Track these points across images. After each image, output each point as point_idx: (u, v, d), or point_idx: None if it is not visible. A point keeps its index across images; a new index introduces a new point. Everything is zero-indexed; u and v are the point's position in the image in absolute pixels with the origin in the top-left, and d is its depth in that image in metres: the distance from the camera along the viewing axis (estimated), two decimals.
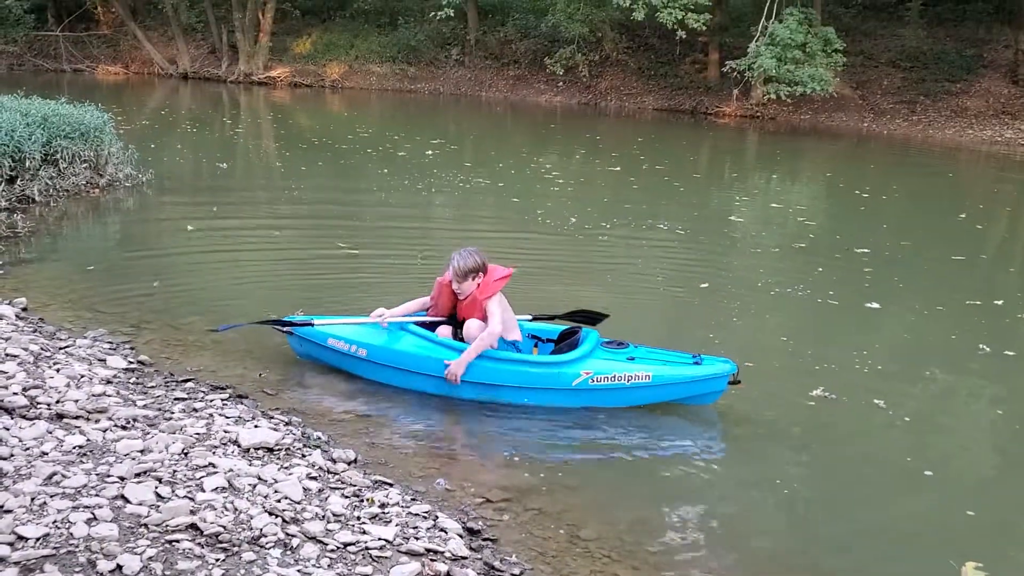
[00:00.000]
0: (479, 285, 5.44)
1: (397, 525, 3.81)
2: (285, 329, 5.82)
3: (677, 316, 7.52)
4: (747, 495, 4.70)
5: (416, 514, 3.97)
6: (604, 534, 4.14)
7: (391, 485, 4.28)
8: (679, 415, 5.48)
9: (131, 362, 5.53)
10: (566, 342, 5.63)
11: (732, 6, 27.18)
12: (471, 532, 3.97)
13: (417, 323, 5.62)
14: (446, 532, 3.85)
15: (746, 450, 5.24)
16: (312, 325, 5.66)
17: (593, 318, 6.33)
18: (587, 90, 27.11)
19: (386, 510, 3.95)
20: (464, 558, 3.69)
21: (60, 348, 5.52)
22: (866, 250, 9.77)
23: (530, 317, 6.06)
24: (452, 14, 25.54)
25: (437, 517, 3.98)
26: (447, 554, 3.67)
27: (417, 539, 3.72)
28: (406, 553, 3.59)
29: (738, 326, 7.20)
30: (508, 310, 5.65)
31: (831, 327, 7.41)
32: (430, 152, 16.06)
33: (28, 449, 3.88)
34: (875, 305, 7.81)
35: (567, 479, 4.65)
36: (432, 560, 3.58)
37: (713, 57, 25.75)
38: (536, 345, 5.85)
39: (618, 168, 15.57)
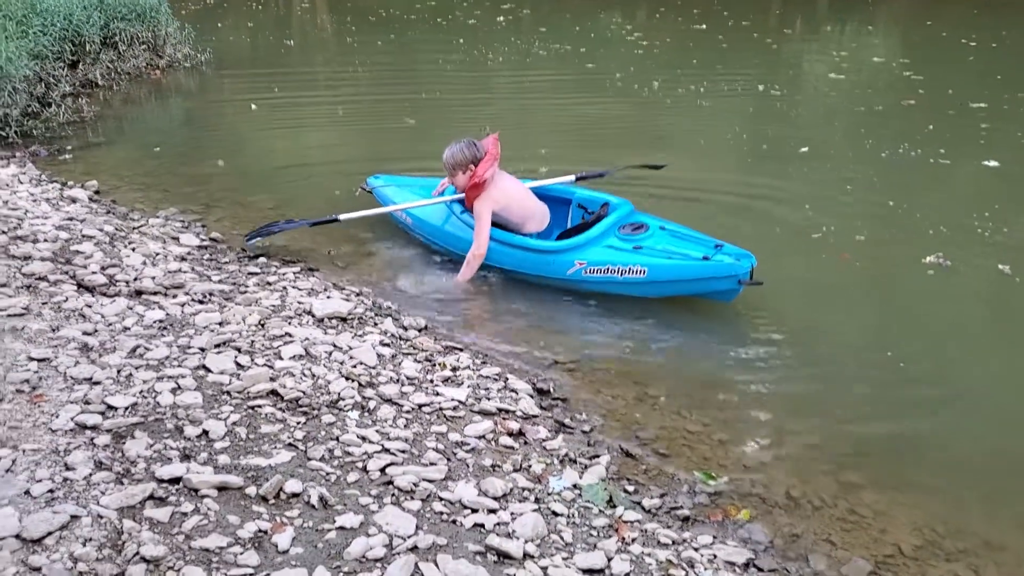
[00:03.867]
0: (470, 178, 5.24)
1: (469, 387, 3.89)
2: (368, 187, 6.11)
3: (776, 183, 6.98)
4: (844, 363, 4.48)
5: (487, 376, 4.04)
6: (673, 391, 4.17)
7: (461, 350, 4.35)
8: (772, 277, 5.13)
9: (203, 239, 5.64)
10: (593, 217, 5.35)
11: None
12: (541, 392, 4.04)
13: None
14: (516, 393, 3.93)
15: (850, 318, 4.97)
16: (337, 220, 5.57)
17: (651, 166, 6.14)
18: None
19: (457, 373, 4.03)
20: (535, 416, 3.77)
21: (133, 228, 5.64)
22: (982, 104, 9.15)
23: (573, 178, 5.90)
24: None
25: (507, 379, 4.05)
26: (518, 413, 3.75)
27: (489, 399, 3.80)
28: (479, 413, 3.68)
29: (844, 190, 6.81)
30: (519, 202, 5.38)
31: (945, 189, 6.97)
32: (501, 18, 15.61)
33: (111, 324, 4.02)
34: (994, 163, 7.33)
35: (636, 341, 4.66)
36: (504, 419, 3.66)
37: None
38: (583, 217, 5.63)
39: (703, 26, 14.78)
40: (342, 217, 5.59)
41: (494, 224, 5.27)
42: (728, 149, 8.03)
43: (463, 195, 5.50)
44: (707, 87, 10.31)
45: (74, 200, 6.02)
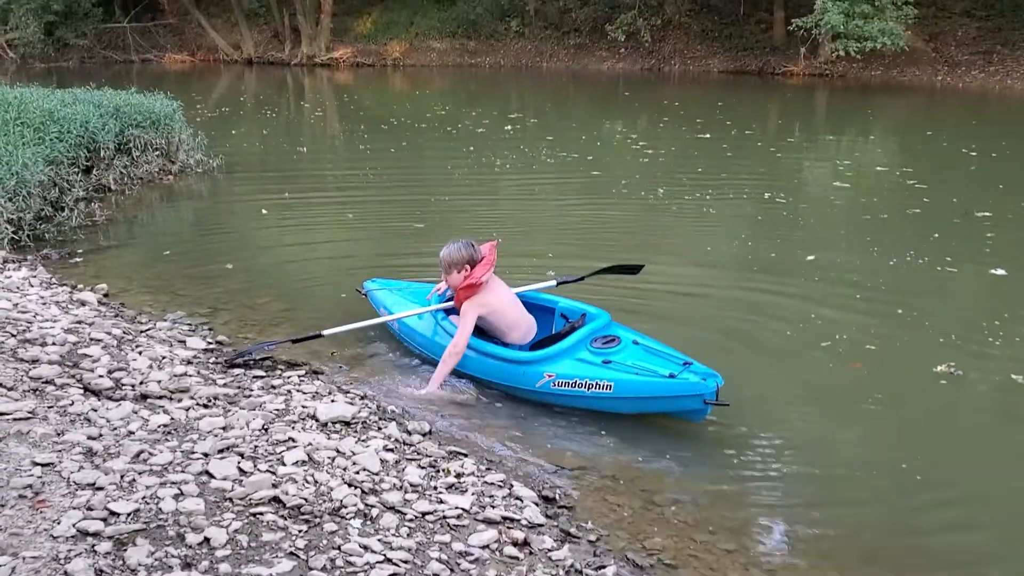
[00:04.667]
0: (465, 278, 5.23)
1: (473, 494, 3.85)
2: (363, 291, 6.17)
3: (783, 291, 6.99)
4: (856, 474, 4.41)
5: (491, 483, 4.01)
6: (679, 500, 4.12)
7: (465, 455, 4.32)
8: (780, 386, 5.26)
9: (210, 342, 5.67)
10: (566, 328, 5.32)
11: None
12: (546, 500, 3.99)
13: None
14: (522, 500, 3.88)
15: (862, 428, 4.88)
16: (321, 336, 5.53)
17: (628, 269, 6.10)
18: (649, 55, 26.81)
19: (462, 480, 4.00)
20: (540, 525, 3.72)
21: (141, 331, 5.68)
22: (987, 213, 9.20)
23: (555, 283, 5.92)
24: None
25: (512, 486, 4.01)
26: (523, 522, 3.70)
27: (493, 507, 3.76)
28: (483, 521, 3.63)
29: (852, 298, 6.76)
30: (507, 311, 5.34)
31: (954, 297, 6.97)
32: (509, 127, 15.99)
33: (116, 429, 4.02)
34: (1001, 272, 7.29)
35: (641, 447, 4.62)
36: (509, 528, 3.61)
37: (778, 15, 25.23)
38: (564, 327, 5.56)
39: (707, 135, 15.03)
40: (325, 332, 5.52)
41: (477, 329, 5.29)
42: (735, 256, 8.03)
43: (448, 303, 5.54)
44: (713, 194, 10.47)
45: (83, 303, 6.08)
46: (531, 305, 5.65)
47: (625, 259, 6.43)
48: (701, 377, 4.60)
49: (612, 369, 4.80)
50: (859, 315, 6.43)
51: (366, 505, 3.60)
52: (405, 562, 3.20)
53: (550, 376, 4.92)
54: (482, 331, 5.36)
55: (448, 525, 3.56)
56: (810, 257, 7.83)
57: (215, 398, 4.60)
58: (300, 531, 3.31)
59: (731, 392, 4.61)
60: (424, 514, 3.61)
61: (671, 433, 4.78)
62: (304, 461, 3.89)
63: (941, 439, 4.83)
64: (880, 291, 6.97)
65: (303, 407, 4.57)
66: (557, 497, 4.03)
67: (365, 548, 3.25)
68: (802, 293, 6.96)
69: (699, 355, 4.88)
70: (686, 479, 4.34)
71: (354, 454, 4.05)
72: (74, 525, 3.10)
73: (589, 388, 4.81)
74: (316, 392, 4.89)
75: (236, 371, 5.18)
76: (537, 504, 3.90)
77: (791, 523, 3.97)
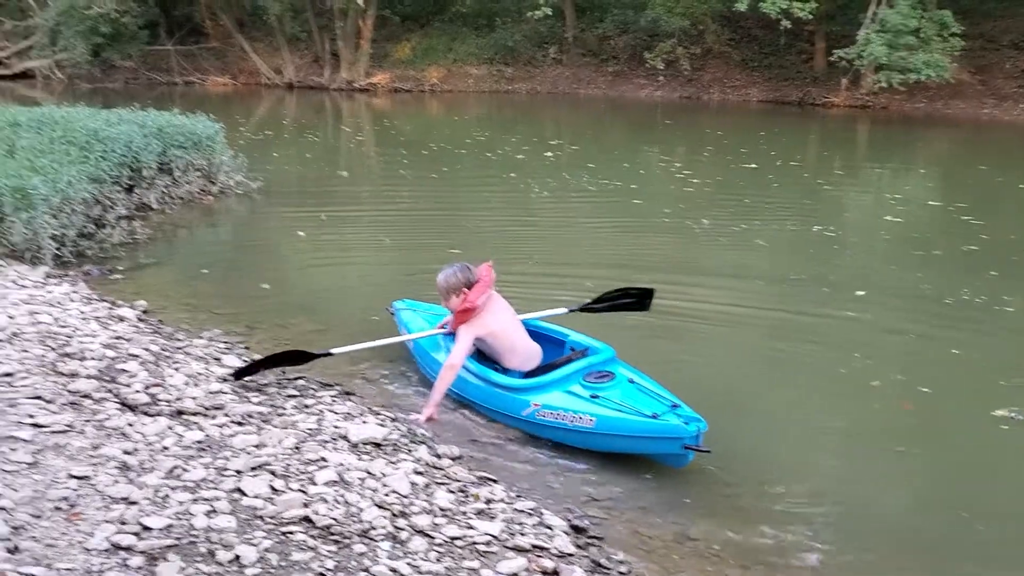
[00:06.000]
0: (463, 301, 5.21)
1: (503, 521, 3.83)
2: (391, 310, 6.24)
3: (832, 327, 6.84)
4: (901, 519, 4.28)
5: (521, 510, 3.98)
6: (712, 533, 4.07)
7: (495, 481, 4.31)
8: (828, 425, 5.18)
9: (245, 361, 5.70)
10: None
11: None
12: (577, 530, 3.96)
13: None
14: (552, 529, 3.86)
15: (911, 471, 4.78)
16: (331, 354, 5.49)
17: (637, 297, 5.97)
18: (688, 83, 26.74)
19: (491, 506, 3.98)
20: (571, 555, 3.68)
21: (178, 348, 5.74)
22: None
23: (566, 310, 5.90)
24: (550, 12, 25.53)
25: (542, 514, 3.99)
26: (553, 551, 3.67)
27: (523, 535, 3.73)
28: (512, 549, 3.61)
29: (905, 337, 6.60)
30: (507, 333, 5.30)
31: (1013, 337, 6.71)
32: (550, 154, 15.96)
33: (150, 444, 4.05)
34: None
35: (673, 480, 4.57)
36: (539, 556, 3.58)
37: (820, 46, 25.09)
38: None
39: (753, 165, 14.68)
40: (335, 351, 5.51)
41: (478, 352, 5.30)
42: (784, 288, 7.83)
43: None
44: (760, 225, 10.28)
45: (122, 319, 6.16)
46: (543, 337, 5.62)
47: (667, 290, 6.24)
48: (684, 421, 4.48)
49: (598, 404, 4.73)
50: (912, 354, 6.24)
51: (395, 528, 3.59)
52: None
53: (536, 405, 4.87)
54: (482, 354, 5.37)
55: (477, 551, 3.54)
56: (860, 292, 7.62)
57: (249, 416, 4.63)
58: (330, 551, 3.31)
59: (775, 428, 4.50)
60: (453, 539, 3.60)
61: (705, 467, 4.69)
62: (335, 481, 3.90)
63: (1001, 486, 4.67)
64: (935, 329, 6.74)
65: (335, 427, 4.59)
66: (588, 527, 4.00)
67: (394, 571, 3.24)
68: (852, 330, 6.75)
69: (742, 390, 4.77)
70: (721, 514, 4.27)
71: (384, 476, 4.05)
72: (107, 539, 3.12)
73: (572, 421, 4.75)
74: (348, 413, 4.90)
75: (271, 390, 5.21)
76: (567, 533, 3.87)
77: (831, 564, 3.88)
